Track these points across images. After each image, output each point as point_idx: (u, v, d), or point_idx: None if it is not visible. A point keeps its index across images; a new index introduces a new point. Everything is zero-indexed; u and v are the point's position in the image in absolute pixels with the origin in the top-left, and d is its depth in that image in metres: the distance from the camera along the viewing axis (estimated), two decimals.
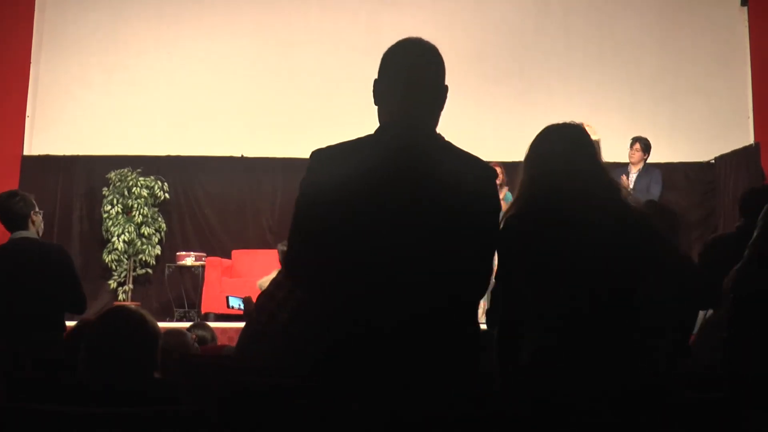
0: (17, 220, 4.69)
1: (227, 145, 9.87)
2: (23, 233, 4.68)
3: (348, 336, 2.14)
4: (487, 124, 9.72)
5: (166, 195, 9.67)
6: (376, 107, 2.34)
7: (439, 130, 2.34)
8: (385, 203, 2.15)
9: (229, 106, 9.85)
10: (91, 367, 2.69)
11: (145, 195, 9.43)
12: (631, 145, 8.24)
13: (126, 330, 2.72)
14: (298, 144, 8.88)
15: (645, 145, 8.20)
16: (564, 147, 2.60)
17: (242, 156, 9.91)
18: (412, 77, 2.30)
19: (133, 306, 4.23)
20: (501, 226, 2.47)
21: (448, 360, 2.16)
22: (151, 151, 9.78)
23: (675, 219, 4.34)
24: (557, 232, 2.43)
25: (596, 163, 2.62)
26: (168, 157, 9.85)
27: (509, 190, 8.31)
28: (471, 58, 9.63)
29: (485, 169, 2.29)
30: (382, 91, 2.33)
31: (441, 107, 2.35)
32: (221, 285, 8.88)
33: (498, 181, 8.15)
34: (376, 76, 2.35)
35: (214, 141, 9.84)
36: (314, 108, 9.70)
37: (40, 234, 4.84)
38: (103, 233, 9.48)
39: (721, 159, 9.70)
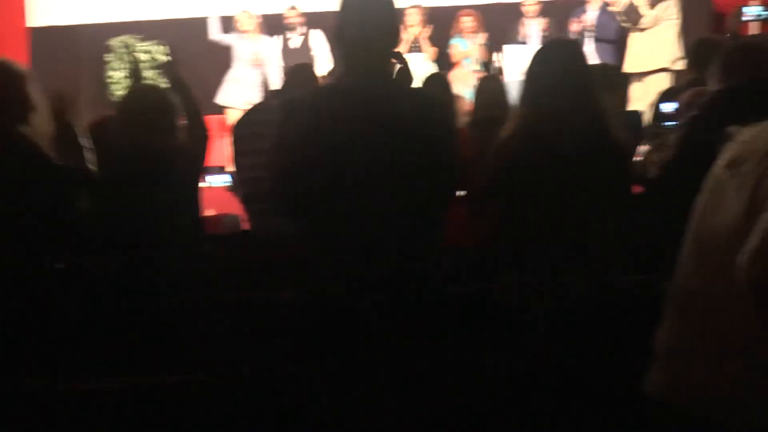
0: None
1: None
2: None
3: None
4: None
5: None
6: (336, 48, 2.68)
7: None
8: (356, 141, 2.43)
9: None
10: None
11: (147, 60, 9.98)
12: None
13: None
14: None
15: None
16: (560, 73, 2.88)
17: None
18: (366, 23, 2.52)
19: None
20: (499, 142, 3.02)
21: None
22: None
23: (619, 76, 4.51)
24: (540, 159, 2.84)
25: (588, 90, 2.89)
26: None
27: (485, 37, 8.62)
28: None
29: (431, 97, 2.90)
30: (340, 35, 2.57)
31: (395, 48, 2.68)
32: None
33: (472, 29, 8.60)
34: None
35: None
36: None
37: None
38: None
39: None
